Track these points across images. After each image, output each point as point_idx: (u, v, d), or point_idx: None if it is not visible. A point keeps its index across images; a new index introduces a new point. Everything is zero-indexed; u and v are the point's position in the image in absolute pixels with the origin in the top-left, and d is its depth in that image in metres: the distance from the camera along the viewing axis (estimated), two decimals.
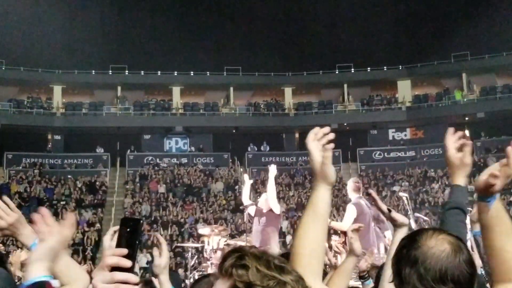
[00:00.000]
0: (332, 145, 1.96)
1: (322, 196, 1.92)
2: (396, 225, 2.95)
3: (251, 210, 10.03)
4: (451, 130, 2.48)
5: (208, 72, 35.72)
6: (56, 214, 27.47)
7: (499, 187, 1.95)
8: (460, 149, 2.45)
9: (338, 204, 29.18)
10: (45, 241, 1.74)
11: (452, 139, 2.45)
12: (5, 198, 2.34)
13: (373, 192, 3.28)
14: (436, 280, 1.66)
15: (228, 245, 11.43)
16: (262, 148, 35.13)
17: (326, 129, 2.00)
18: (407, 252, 1.72)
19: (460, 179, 2.48)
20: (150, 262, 24.20)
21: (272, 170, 9.89)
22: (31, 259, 1.71)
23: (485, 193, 1.96)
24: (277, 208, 9.72)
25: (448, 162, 2.47)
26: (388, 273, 2.55)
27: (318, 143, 1.96)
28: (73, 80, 34.56)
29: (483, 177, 1.97)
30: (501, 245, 1.87)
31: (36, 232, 1.82)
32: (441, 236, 1.72)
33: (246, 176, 10.61)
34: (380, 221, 8.69)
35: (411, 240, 1.75)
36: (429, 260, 1.68)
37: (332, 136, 1.98)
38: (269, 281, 1.38)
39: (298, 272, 1.44)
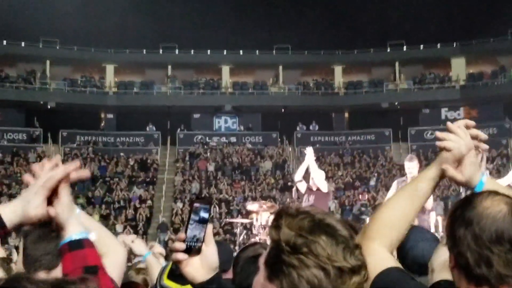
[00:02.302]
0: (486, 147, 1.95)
1: (431, 177, 1.87)
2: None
3: (301, 187, 10.01)
4: None
5: (257, 51, 35.66)
6: (110, 191, 28.17)
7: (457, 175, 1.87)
8: None
9: (389, 185, 28.86)
10: (63, 199, 1.69)
11: None
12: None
13: None
14: (492, 241, 1.60)
15: None
16: (311, 127, 34.97)
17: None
18: (462, 213, 1.66)
19: None
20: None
21: (310, 153, 9.81)
22: (63, 220, 1.67)
23: (466, 184, 1.89)
24: (325, 186, 9.68)
25: None
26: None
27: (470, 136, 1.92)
28: (125, 60, 35.09)
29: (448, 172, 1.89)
30: None
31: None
32: (497, 197, 1.66)
33: (308, 151, 9.84)
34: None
35: (466, 202, 1.69)
36: (485, 220, 1.61)
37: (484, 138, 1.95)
38: (297, 239, 1.37)
39: (347, 232, 1.41)
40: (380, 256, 1.74)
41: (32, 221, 1.67)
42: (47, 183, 1.65)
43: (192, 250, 1.55)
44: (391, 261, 1.75)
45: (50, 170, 1.66)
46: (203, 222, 1.55)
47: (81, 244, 1.66)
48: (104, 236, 2.32)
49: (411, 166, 8.56)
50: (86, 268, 1.64)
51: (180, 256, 1.56)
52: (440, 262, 2.43)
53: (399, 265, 1.77)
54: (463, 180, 1.87)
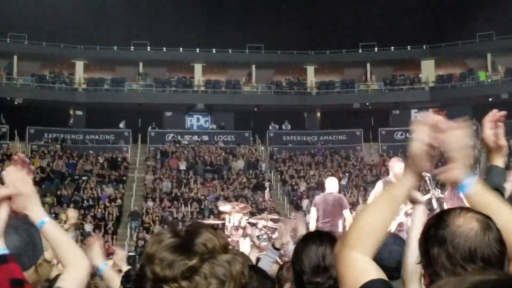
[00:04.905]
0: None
1: (407, 184, 1.85)
2: (412, 201, 2.85)
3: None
4: (493, 112, 2.35)
5: (230, 50, 35.55)
6: (78, 189, 27.73)
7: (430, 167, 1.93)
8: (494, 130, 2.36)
9: (359, 184, 29.08)
10: None
11: (488, 120, 2.34)
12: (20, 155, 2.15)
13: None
14: (465, 259, 1.64)
15: (250, 223, 11.44)
16: (283, 126, 35.04)
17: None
18: (435, 232, 1.69)
19: (498, 160, 2.39)
20: None
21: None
22: None
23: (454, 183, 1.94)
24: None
25: (483, 143, 2.38)
26: (410, 254, 2.55)
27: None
28: (95, 56, 34.63)
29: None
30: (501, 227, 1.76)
31: None
32: (469, 215, 1.70)
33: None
34: None
35: (439, 220, 1.72)
36: (458, 239, 1.65)
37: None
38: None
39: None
40: (361, 266, 1.70)
41: None
42: None
43: None
44: (373, 272, 1.70)
45: None
46: None
47: (6, 259, 1.73)
48: (68, 248, 2.23)
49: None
50: (12, 280, 1.69)
51: None
52: (410, 272, 2.52)
53: (382, 274, 1.72)
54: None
